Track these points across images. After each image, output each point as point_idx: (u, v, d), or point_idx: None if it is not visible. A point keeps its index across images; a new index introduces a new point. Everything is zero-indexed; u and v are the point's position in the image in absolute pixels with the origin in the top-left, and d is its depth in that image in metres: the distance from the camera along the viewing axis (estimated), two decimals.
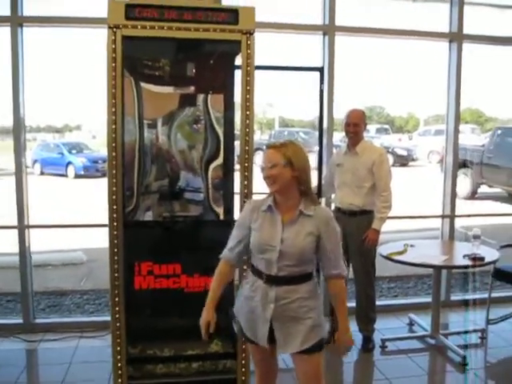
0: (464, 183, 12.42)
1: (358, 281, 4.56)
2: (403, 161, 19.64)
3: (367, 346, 4.47)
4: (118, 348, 3.64)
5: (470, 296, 5.62)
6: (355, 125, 4.39)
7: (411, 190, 12.67)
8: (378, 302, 5.78)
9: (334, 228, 2.62)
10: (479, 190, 12.62)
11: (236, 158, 4.19)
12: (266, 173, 2.58)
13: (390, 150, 19.77)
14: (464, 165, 12.44)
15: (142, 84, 4.28)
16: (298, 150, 2.61)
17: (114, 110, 3.45)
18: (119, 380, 3.66)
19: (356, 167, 4.39)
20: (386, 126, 25.14)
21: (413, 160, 19.95)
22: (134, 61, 4.03)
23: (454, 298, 5.62)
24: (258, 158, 11.83)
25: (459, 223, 5.85)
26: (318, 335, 2.65)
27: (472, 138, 14.95)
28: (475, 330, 4.78)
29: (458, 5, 5.22)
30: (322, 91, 4.55)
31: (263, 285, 2.64)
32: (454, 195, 5.47)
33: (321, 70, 4.56)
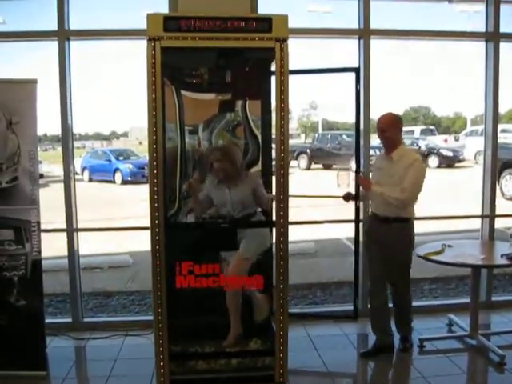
0: (510, 183, 12.23)
1: (393, 286, 4.47)
2: (449, 162, 19.38)
3: (404, 345, 4.48)
4: (161, 344, 3.79)
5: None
6: (382, 130, 4.22)
7: (455, 191, 12.54)
8: (417, 303, 5.78)
9: None
10: None
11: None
12: None
13: (436, 152, 19.56)
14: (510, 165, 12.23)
15: (183, 92, 4.45)
16: None
17: (154, 118, 3.60)
18: (162, 375, 3.82)
19: (391, 173, 4.22)
20: (432, 127, 24.79)
21: (459, 161, 19.62)
22: (173, 70, 4.20)
23: (494, 298, 5.56)
24: (302, 162, 12.05)
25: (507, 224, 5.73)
26: None
27: None
28: None
29: (493, 4, 5.18)
30: (358, 91, 4.51)
31: None
32: (493, 195, 5.40)
33: (356, 70, 4.55)
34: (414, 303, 5.60)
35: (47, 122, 5.15)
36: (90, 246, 6.63)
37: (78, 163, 17.15)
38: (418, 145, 20.07)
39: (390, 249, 4.25)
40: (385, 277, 4.39)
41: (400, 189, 4.08)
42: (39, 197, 4.14)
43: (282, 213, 3.75)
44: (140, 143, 26.30)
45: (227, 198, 4.11)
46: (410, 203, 4.23)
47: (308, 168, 18.82)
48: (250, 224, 4.17)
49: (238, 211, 4.12)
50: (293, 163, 17.57)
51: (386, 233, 4.25)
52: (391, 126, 4.22)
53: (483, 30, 5.33)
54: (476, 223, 5.76)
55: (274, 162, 3.92)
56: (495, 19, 5.19)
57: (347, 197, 4.48)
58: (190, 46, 3.64)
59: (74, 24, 4.85)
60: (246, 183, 4.11)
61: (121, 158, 18.55)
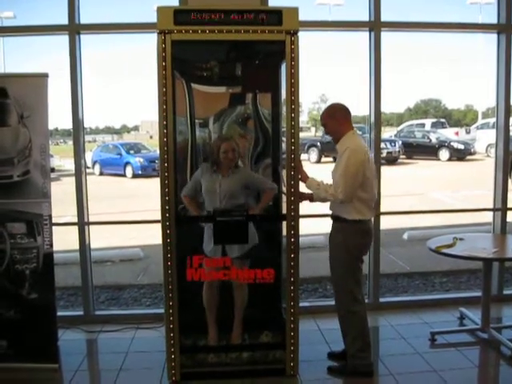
0: None
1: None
2: (460, 155, 19.34)
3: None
4: (172, 337, 3.81)
5: None
6: (323, 126, 3.99)
7: (467, 184, 12.49)
8: (428, 296, 5.75)
9: None
10: None
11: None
12: None
13: (447, 144, 19.51)
14: None
15: (193, 85, 4.44)
16: None
17: (164, 111, 3.60)
18: (172, 368, 3.84)
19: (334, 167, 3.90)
20: (443, 120, 24.67)
21: (470, 154, 19.56)
22: (184, 63, 4.19)
23: (506, 292, 5.52)
24: (313, 155, 12.10)
25: None
26: None
27: None
28: None
29: None
30: None
31: None
32: (505, 188, 5.37)
33: None
34: (425, 296, 5.57)
35: (58, 115, 5.15)
36: (101, 239, 6.65)
37: (88, 157, 17.24)
38: (428, 137, 20.03)
39: (330, 250, 4.00)
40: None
41: (334, 187, 3.71)
42: (51, 190, 4.16)
43: (292, 206, 3.75)
44: (151, 137, 26.38)
45: (217, 185, 4.00)
46: (347, 198, 3.70)
47: (318, 161, 18.78)
48: (260, 218, 4.15)
49: (226, 201, 4.00)
50: (303, 156, 17.52)
51: (330, 232, 4.00)
52: (327, 119, 3.91)
53: (495, 21, 5.29)
54: (488, 216, 5.73)
55: (284, 155, 3.90)
56: (507, 11, 5.13)
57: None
58: (201, 39, 3.63)
59: (84, 18, 4.86)
60: (239, 176, 4.06)
61: (131, 151, 18.59)
